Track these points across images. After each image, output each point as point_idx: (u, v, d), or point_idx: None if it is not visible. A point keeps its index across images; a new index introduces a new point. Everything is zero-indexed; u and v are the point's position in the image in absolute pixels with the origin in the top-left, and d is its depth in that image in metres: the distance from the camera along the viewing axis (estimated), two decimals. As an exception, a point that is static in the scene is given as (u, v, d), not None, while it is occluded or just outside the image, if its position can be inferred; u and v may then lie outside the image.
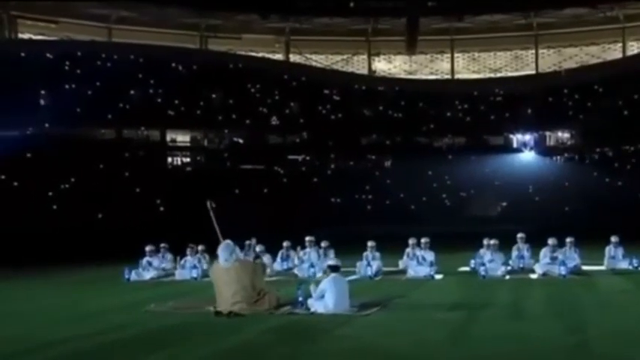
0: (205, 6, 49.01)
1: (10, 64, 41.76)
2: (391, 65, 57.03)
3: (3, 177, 37.67)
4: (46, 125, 41.10)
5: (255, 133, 47.83)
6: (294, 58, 55.53)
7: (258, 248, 18.56)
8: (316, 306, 11.88)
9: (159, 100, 45.73)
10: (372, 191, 44.74)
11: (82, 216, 34.00)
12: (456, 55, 55.73)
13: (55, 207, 35.26)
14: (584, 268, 18.39)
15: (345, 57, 56.51)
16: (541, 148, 49.00)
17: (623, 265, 18.34)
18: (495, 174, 45.67)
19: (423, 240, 18.52)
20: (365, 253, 18.40)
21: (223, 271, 12.40)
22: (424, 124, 49.47)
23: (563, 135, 50.46)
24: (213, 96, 47.70)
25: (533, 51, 54.79)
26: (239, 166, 45.80)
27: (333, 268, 12.34)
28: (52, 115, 40.76)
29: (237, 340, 9.90)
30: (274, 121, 48.52)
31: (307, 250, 19.31)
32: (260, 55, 54.54)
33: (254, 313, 11.76)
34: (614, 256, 18.73)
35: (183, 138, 48.29)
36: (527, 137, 49.46)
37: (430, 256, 18.10)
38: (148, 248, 18.93)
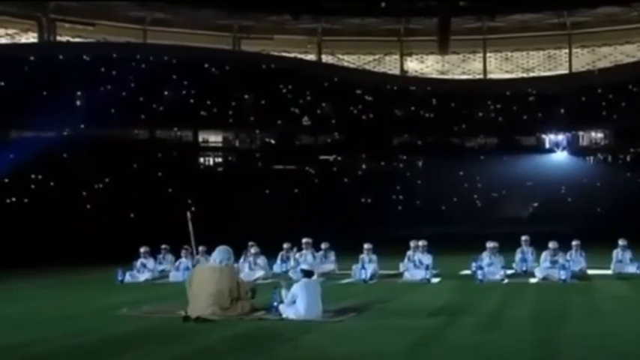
0: (238, 7, 49.45)
1: (48, 67, 42.78)
2: (423, 65, 56.96)
3: (40, 177, 38.51)
4: (82, 126, 41.93)
5: (287, 133, 48.18)
6: (326, 58, 55.80)
7: (253, 250, 18.46)
8: (288, 312, 11.56)
9: (192, 100, 46.32)
10: (402, 192, 44.78)
11: (115, 216, 34.64)
12: (488, 54, 55.45)
13: (88, 207, 35.96)
14: (591, 272, 18.08)
15: (377, 57, 56.58)
16: (574, 148, 48.60)
17: (631, 269, 17.83)
18: (527, 174, 45.36)
19: (420, 243, 18.11)
20: (361, 256, 18.10)
21: (208, 272, 12.33)
22: (456, 125, 49.35)
23: (597, 135, 50.01)
24: (246, 96, 48.17)
25: (567, 50, 54.29)
26: (270, 167, 46.21)
27: (306, 273, 12.07)
28: (87, 116, 41.50)
29: (193, 347, 9.74)
30: (306, 121, 48.81)
31: (304, 252, 18.97)
32: (292, 55, 54.87)
33: (224, 319, 11.54)
34: (622, 260, 18.18)
35: (215, 138, 48.88)
36: (560, 137, 49.07)
37: (427, 259, 17.75)
38: (142, 250, 18.77)
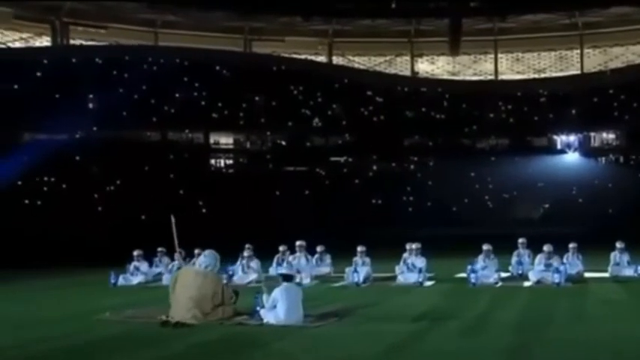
0: (249, 9, 49.61)
1: (61, 70, 43.05)
2: (434, 66, 56.93)
3: (52, 179, 38.83)
4: (94, 128, 42.24)
5: (298, 135, 48.30)
6: (336, 60, 55.89)
7: (246, 253, 18.35)
8: (268, 316, 11.46)
9: (203, 102, 46.51)
10: (413, 193, 44.82)
11: (125, 218, 34.87)
12: (499, 55, 55.37)
13: (100, 209, 36.22)
14: (589, 275, 17.89)
15: (387, 58, 56.61)
16: (585, 149, 48.46)
17: (628, 272, 17.66)
18: (538, 176, 45.25)
19: (413, 246, 17.89)
20: (354, 259, 17.93)
21: (192, 274, 12.20)
22: (467, 126, 49.30)
23: (608, 136, 49.82)
24: (257, 98, 48.32)
25: (578, 51, 54.08)
26: (281, 168, 46.36)
27: (285, 278, 11.96)
28: (99, 119, 41.77)
29: (164, 352, 9.68)
30: (316, 123, 48.91)
31: (297, 254, 18.84)
32: (303, 57, 54.99)
33: (204, 323, 11.47)
34: (619, 263, 18.00)
35: (226, 140, 49.07)
36: (572, 138, 48.94)
37: (420, 262, 17.53)
38: (135, 253, 18.74)
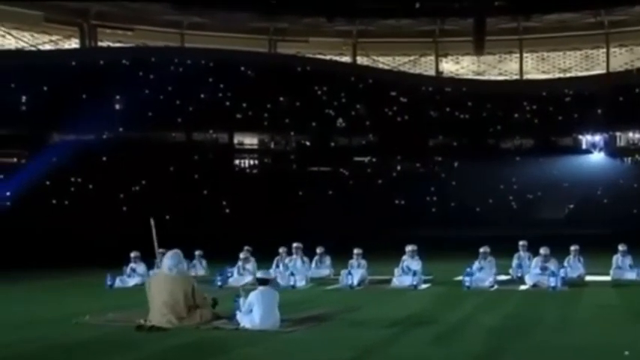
0: (274, 10, 49.97)
1: (89, 71, 43.79)
2: (459, 66, 56.87)
3: (79, 180, 39.49)
4: (120, 129, 42.87)
5: (322, 135, 48.51)
6: (361, 60, 56.04)
7: (242, 255, 18.19)
8: (244, 321, 11.18)
9: (227, 103, 46.95)
10: (437, 193, 44.81)
11: (149, 218, 35.24)
12: (524, 55, 55.18)
13: (125, 209, 36.71)
14: (590, 278, 17.52)
15: (412, 58, 56.67)
16: (611, 149, 48.11)
17: (630, 275, 17.18)
18: (563, 176, 45.01)
19: (409, 248, 17.44)
20: (350, 261, 17.63)
21: (162, 279, 12.01)
22: (492, 126, 49.22)
23: (634, 136, 49.35)
24: (281, 99, 48.62)
25: (604, 50, 53.71)
26: (305, 169, 46.62)
27: (262, 281, 11.59)
28: (126, 119, 42.40)
29: (128, 357, 9.55)
30: (340, 123, 49.09)
31: (293, 257, 18.42)
32: (327, 57, 55.24)
33: (179, 328, 11.21)
34: (621, 267, 17.49)
35: (250, 140, 49.46)
36: (597, 138, 48.60)
37: (416, 265, 17.12)
38: (132, 255, 18.42)
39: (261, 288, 11.36)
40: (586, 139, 49.12)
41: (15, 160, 42.30)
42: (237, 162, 48.44)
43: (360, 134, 49.62)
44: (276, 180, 43.55)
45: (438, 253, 18.53)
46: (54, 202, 37.15)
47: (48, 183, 37.54)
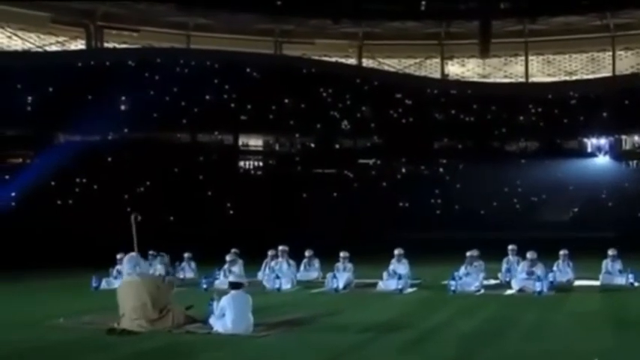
0: (279, 12, 50.01)
1: (95, 72, 43.92)
2: (464, 68, 56.77)
3: (84, 180, 39.60)
4: (125, 130, 42.98)
5: (327, 137, 48.51)
6: (366, 62, 56.02)
7: (228, 257, 18.18)
8: (217, 325, 11.16)
9: (232, 104, 46.98)
10: (441, 196, 44.75)
11: (154, 219, 35.33)
12: (530, 57, 54.98)
13: (128, 209, 36.69)
14: (579, 283, 17.47)
15: (417, 61, 56.59)
16: (616, 152, 47.95)
17: (620, 281, 17.10)
18: (568, 179, 44.87)
19: (396, 251, 17.45)
20: (336, 265, 17.66)
21: (127, 285, 12.03)
22: (497, 128, 49.13)
23: (640, 139, 49.30)
24: (286, 100, 48.64)
25: (610, 53, 53.51)
26: (310, 171, 46.62)
27: (234, 285, 11.60)
28: (131, 120, 42.49)
29: None
30: (345, 125, 49.08)
31: (279, 260, 18.46)
32: (333, 59, 55.22)
33: (152, 331, 11.19)
34: (611, 272, 17.44)
35: (255, 142, 49.52)
36: (602, 141, 48.45)
37: (402, 269, 17.11)
38: (118, 256, 18.15)
39: (233, 292, 11.32)
40: (591, 142, 48.97)
41: (21, 160, 42.44)
42: (241, 163, 48.47)
43: (365, 136, 49.61)
44: (280, 182, 43.58)
45: (438, 256, 18.40)
46: (58, 202, 37.30)
47: (53, 183, 37.65)
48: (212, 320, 11.31)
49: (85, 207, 35.66)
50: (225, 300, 11.20)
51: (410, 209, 43.12)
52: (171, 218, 36.24)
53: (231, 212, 39.93)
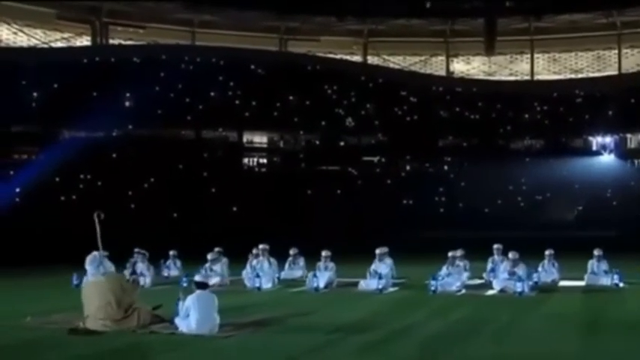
0: (285, 9, 49.98)
1: (100, 69, 43.95)
2: (469, 66, 56.61)
3: (89, 176, 39.66)
4: (130, 127, 43.03)
5: (331, 134, 48.46)
6: (371, 59, 55.93)
7: (210, 256, 18.14)
8: (181, 325, 11.15)
9: (237, 101, 46.97)
10: (446, 194, 44.72)
11: (158, 216, 35.48)
12: (535, 55, 54.77)
13: (132, 206, 36.83)
14: (564, 283, 17.40)
15: (422, 58, 56.45)
16: (621, 150, 47.77)
17: (605, 281, 17.09)
18: (573, 177, 44.78)
19: (377, 251, 17.41)
20: (318, 264, 17.62)
21: (91, 286, 12.02)
22: (502, 126, 49.02)
23: (645, 138, 49.09)
24: (291, 97, 48.61)
25: (616, 51, 53.22)
26: (314, 168, 46.62)
27: (199, 285, 11.52)
28: (136, 117, 42.53)
29: None
30: (350, 122, 49.04)
31: (260, 258, 18.45)
32: (338, 56, 55.15)
33: (116, 331, 11.15)
34: (596, 272, 17.45)
35: (260, 139, 49.54)
36: (608, 140, 48.29)
37: (384, 268, 17.03)
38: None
39: (198, 292, 11.22)
40: (596, 141, 48.82)
41: (26, 157, 42.55)
42: (246, 160, 48.45)
43: (370, 134, 49.52)
44: (284, 179, 43.60)
45: (438, 254, 18.22)
46: (62, 198, 37.35)
47: (57, 179, 37.71)
48: (177, 320, 11.22)
49: (89, 203, 35.49)
50: (190, 300, 11.09)
51: (414, 207, 43.10)
52: (175, 215, 36.25)
53: (235, 209, 39.92)
